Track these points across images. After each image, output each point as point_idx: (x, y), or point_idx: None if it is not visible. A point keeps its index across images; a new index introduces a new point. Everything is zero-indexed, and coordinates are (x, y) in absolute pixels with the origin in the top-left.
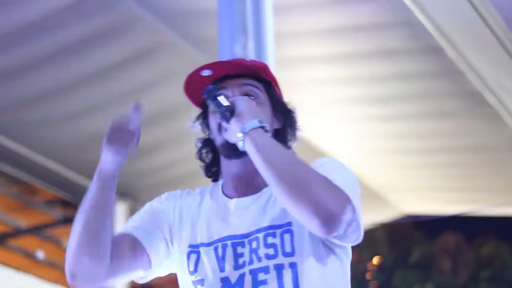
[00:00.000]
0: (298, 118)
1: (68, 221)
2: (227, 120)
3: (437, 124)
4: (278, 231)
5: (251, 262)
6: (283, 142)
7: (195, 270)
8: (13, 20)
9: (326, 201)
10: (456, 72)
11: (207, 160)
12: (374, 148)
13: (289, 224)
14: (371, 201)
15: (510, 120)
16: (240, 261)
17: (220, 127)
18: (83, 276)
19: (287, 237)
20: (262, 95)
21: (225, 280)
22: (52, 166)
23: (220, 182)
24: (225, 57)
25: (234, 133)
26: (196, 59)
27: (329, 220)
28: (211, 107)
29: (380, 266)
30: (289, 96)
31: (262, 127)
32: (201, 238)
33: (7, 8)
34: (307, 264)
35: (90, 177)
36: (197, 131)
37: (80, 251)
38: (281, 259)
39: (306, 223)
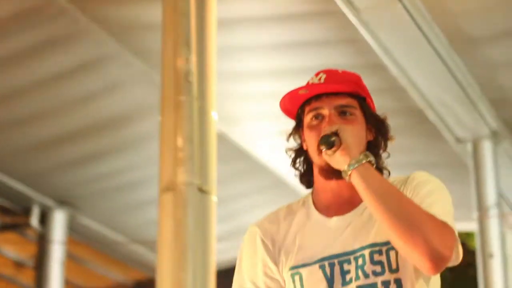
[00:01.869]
0: (389, 127)
1: (5, 228)
2: (331, 149)
3: None
4: (383, 248)
5: (357, 278)
6: (376, 151)
7: None
8: None
9: (438, 244)
10: (398, 89)
11: (302, 170)
12: None
13: None
14: None
15: (450, 137)
16: (347, 278)
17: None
18: None
19: (392, 254)
20: (358, 112)
21: None
22: None
23: (309, 199)
24: (168, 70)
25: (339, 163)
26: (141, 70)
27: (440, 263)
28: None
29: None
30: (231, 108)
31: (369, 161)
32: (302, 259)
33: None
34: (410, 280)
35: (30, 185)
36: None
37: None
38: (387, 276)
39: (415, 263)
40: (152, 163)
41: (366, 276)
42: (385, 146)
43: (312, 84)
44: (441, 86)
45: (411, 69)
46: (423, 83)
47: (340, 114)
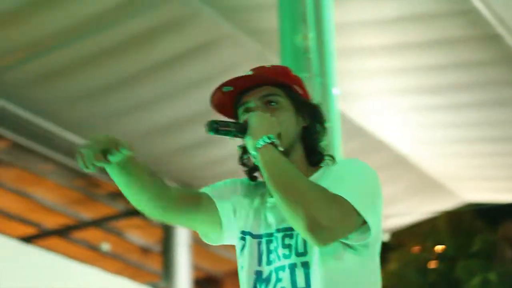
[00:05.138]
0: (323, 113)
1: (131, 213)
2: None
3: (496, 113)
4: (294, 232)
5: (276, 260)
6: (313, 137)
7: (240, 255)
8: (73, 14)
9: (319, 216)
10: None
11: (250, 165)
12: (434, 138)
13: None
14: (432, 190)
15: None
16: (271, 257)
17: None
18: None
19: (300, 238)
20: (283, 100)
21: (258, 273)
22: None
23: None
24: (287, 48)
25: (249, 148)
26: (256, 51)
27: (319, 234)
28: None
29: (442, 255)
30: (349, 85)
31: (272, 143)
32: (250, 227)
33: (67, 4)
34: (319, 263)
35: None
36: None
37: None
38: (294, 259)
39: (302, 235)
40: None
41: (279, 258)
42: (323, 130)
43: (235, 78)
44: None
45: None
46: None
47: (267, 104)
